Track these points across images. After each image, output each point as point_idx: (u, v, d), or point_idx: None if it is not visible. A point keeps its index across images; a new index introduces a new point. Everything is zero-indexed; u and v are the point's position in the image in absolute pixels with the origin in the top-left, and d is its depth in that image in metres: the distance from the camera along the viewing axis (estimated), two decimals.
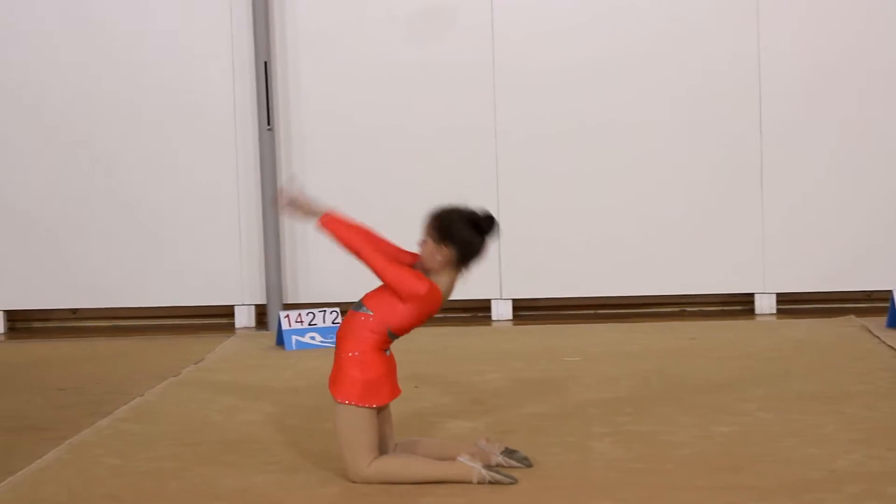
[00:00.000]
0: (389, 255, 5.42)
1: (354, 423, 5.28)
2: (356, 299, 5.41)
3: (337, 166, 9.73)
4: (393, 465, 5.28)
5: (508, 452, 5.52)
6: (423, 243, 5.38)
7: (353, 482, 5.24)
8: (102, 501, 5.23)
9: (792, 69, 9.92)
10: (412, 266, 5.39)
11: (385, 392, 5.40)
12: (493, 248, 9.76)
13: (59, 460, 5.95)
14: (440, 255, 5.32)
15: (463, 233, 5.35)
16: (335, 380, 5.40)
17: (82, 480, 5.58)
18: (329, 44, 10.02)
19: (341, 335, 5.44)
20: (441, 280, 5.37)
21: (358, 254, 5.25)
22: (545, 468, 5.55)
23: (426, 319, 5.45)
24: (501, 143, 10.07)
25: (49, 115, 10.17)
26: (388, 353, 5.48)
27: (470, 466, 5.17)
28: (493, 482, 5.11)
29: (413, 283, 5.27)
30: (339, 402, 5.31)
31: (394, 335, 5.40)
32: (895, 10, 9.88)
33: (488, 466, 5.17)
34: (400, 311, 5.34)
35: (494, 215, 5.46)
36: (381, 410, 5.39)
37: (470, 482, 5.14)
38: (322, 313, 9.09)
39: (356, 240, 5.29)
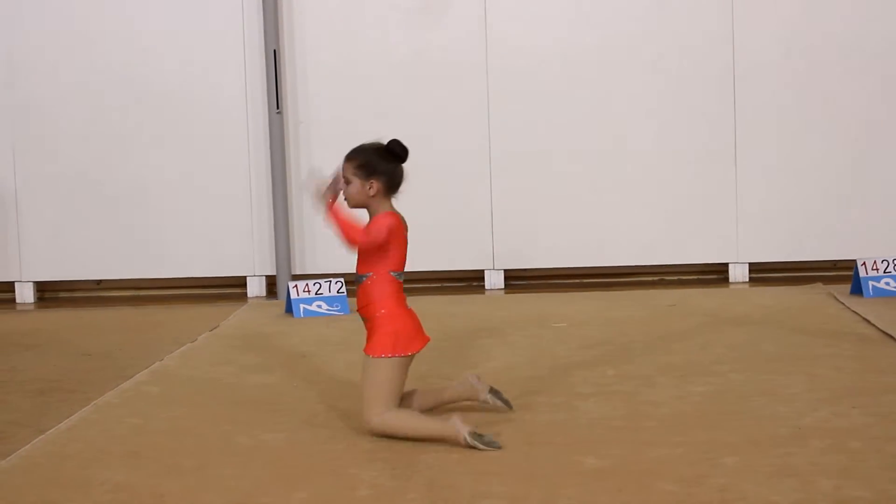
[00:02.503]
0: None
1: (384, 375, 5.32)
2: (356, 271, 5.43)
3: (340, 146, 9.68)
4: (394, 420, 5.28)
5: (494, 392, 5.72)
6: (347, 185, 5.40)
7: (369, 432, 5.31)
8: (125, 458, 5.24)
9: (764, 53, 9.91)
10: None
11: (418, 340, 5.50)
12: (487, 222, 9.93)
13: (84, 420, 5.97)
14: (372, 189, 5.36)
15: (384, 164, 5.39)
16: (369, 341, 5.41)
17: (106, 438, 5.59)
18: (334, 33, 10.02)
19: (363, 304, 5.44)
20: (382, 207, 5.41)
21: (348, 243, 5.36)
22: (535, 426, 5.57)
23: (406, 243, 5.51)
24: (494, 127, 10.06)
25: (78, 102, 10.16)
26: (408, 306, 5.56)
27: (458, 430, 5.17)
28: (475, 447, 5.12)
29: (381, 228, 5.31)
30: (374, 357, 5.33)
31: (399, 274, 5.46)
32: None
33: (474, 433, 5.15)
34: (389, 254, 5.40)
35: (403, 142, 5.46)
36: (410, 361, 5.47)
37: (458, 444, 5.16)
38: (328, 283, 9.10)
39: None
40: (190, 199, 10.18)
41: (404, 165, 5.46)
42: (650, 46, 9.99)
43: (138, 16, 10.11)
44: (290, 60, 10.03)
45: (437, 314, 8.83)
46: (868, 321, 7.89)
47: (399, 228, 5.42)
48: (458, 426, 5.19)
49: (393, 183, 5.43)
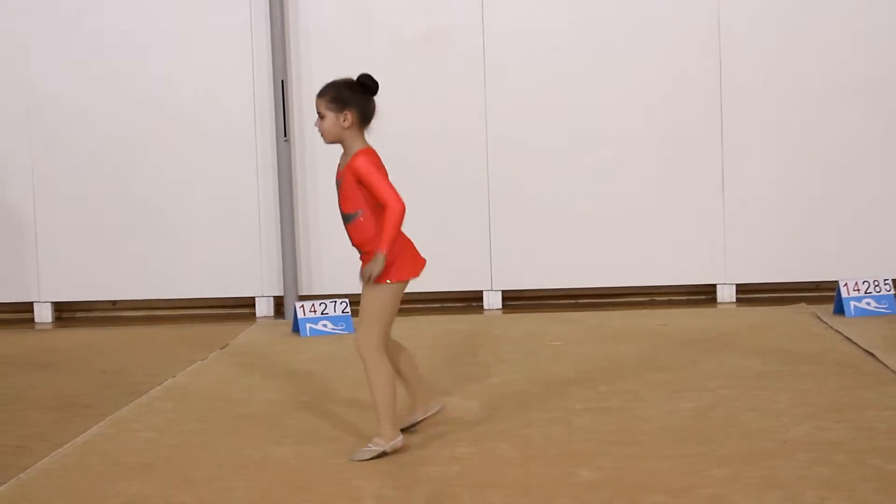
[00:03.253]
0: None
1: (384, 300, 5.31)
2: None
3: None
4: (378, 369, 5.28)
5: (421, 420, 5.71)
6: (322, 120, 5.33)
7: (358, 351, 5.31)
8: (139, 470, 5.25)
9: (749, 84, 9.92)
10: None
11: (416, 265, 5.47)
12: (485, 246, 9.94)
13: (101, 434, 5.98)
14: (346, 121, 5.30)
15: (356, 97, 5.35)
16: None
17: (122, 452, 5.61)
18: (339, 64, 9.97)
19: (360, 241, 5.36)
20: (358, 142, 5.37)
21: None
22: (532, 440, 5.57)
23: (386, 172, 5.39)
24: (492, 157, 10.08)
25: (95, 129, 10.18)
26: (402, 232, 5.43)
27: (395, 442, 5.24)
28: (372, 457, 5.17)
29: (372, 171, 5.27)
30: (378, 283, 5.27)
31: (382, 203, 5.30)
32: (859, 22, 9.92)
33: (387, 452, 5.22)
34: (374, 189, 5.26)
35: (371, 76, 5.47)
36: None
37: (384, 445, 5.22)
38: (333, 303, 9.11)
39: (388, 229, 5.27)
40: (202, 222, 10.18)
41: (376, 99, 5.46)
42: (640, 78, 9.99)
43: (154, 46, 10.12)
44: (298, 90, 10.04)
45: (438, 333, 8.87)
46: (850, 340, 7.89)
47: (378, 160, 5.38)
48: (398, 440, 5.27)
49: (365, 115, 5.39)
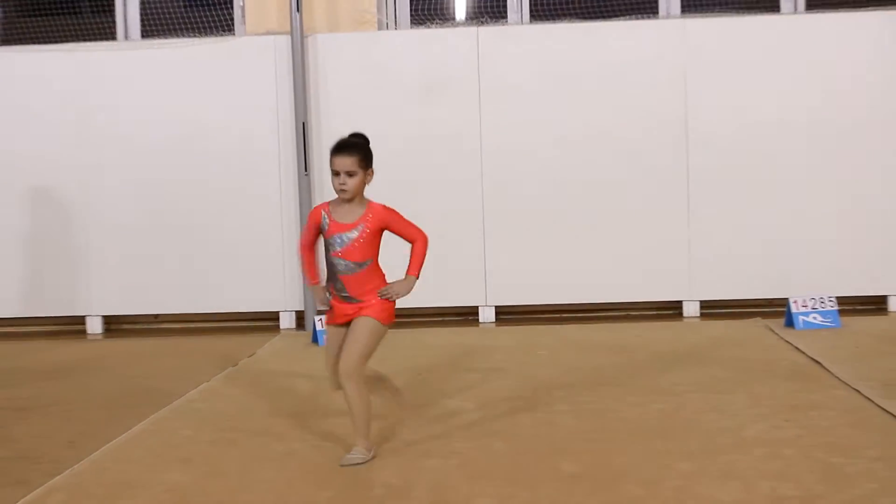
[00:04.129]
0: (313, 238, 5.32)
1: (377, 338, 5.13)
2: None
3: None
4: (362, 396, 5.11)
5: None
6: (351, 177, 5.04)
7: (345, 375, 5.07)
8: (178, 463, 5.27)
9: (712, 128, 9.96)
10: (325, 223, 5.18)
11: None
12: (480, 267, 9.96)
13: (144, 430, 6.00)
14: (370, 178, 5.14)
15: (372, 155, 5.17)
16: (369, 309, 5.11)
17: (163, 447, 5.62)
18: (352, 107, 10.04)
19: (361, 290, 5.12)
20: (365, 197, 5.18)
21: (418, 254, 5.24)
22: (521, 437, 5.58)
23: None
24: (486, 190, 10.11)
25: (139, 167, 10.23)
26: None
27: (371, 451, 5.16)
28: (357, 463, 5.07)
29: (396, 212, 5.19)
30: (378, 322, 5.09)
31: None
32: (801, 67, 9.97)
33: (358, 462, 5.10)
34: (408, 227, 5.19)
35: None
36: None
37: (366, 455, 5.12)
38: None
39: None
40: (234, 246, 10.19)
41: None
42: (619, 127, 9.99)
43: (191, 91, 10.16)
44: (317, 130, 10.06)
45: (438, 344, 8.87)
46: (799, 349, 7.91)
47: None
48: (372, 452, 5.16)
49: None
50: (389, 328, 5.25)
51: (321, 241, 5.29)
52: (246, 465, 5.19)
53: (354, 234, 5.10)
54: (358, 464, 5.06)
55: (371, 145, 5.19)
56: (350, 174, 5.05)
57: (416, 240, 5.19)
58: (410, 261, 5.20)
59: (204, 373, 7.76)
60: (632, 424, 5.80)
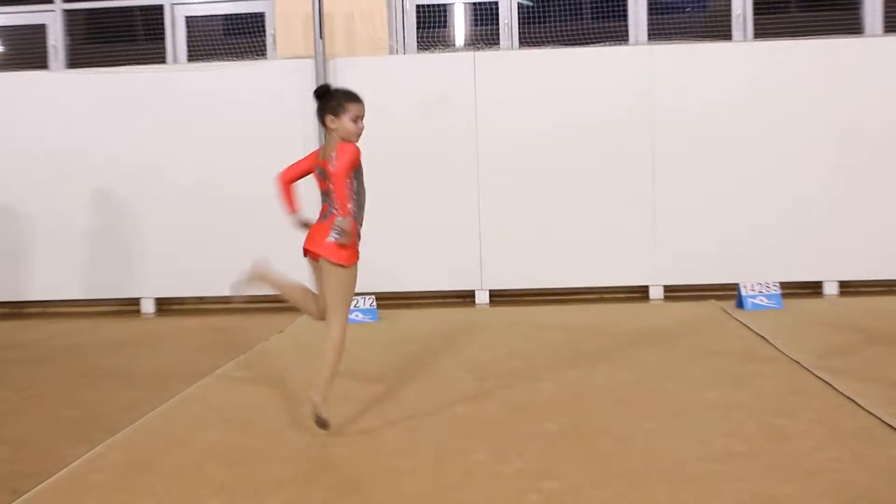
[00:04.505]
0: (302, 168, 5.17)
1: (352, 282, 4.87)
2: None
3: (373, 194, 9.83)
4: (341, 351, 4.86)
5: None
6: (332, 121, 4.95)
7: (333, 336, 4.85)
8: (219, 422, 5.29)
9: (676, 135, 9.97)
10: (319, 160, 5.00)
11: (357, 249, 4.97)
12: (476, 256, 9.95)
13: (189, 396, 6.02)
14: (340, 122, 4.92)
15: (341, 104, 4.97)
16: (338, 252, 4.87)
17: (205, 409, 5.65)
18: (367, 119, 10.02)
19: (326, 225, 4.89)
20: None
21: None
22: (511, 401, 5.60)
23: None
24: (482, 189, 10.11)
25: (189, 172, 10.24)
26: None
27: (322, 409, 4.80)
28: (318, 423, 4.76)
29: (349, 161, 4.83)
30: (347, 266, 4.85)
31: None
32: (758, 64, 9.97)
33: (316, 417, 4.80)
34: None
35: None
36: None
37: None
38: (363, 299, 9.14)
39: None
40: (265, 235, 10.21)
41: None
42: (596, 137, 10.01)
43: (230, 104, 10.17)
44: None
45: (439, 322, 8.87)
46: (748, 327, 7.92)
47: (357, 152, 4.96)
48: (325, 411, 4.83)
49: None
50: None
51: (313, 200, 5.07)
52: (277, 425, 5.20)
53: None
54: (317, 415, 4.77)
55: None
56: (332, 121, 4.96)
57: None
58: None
59: (241, 346, 7.78)
60: (605, 391, 5.81)
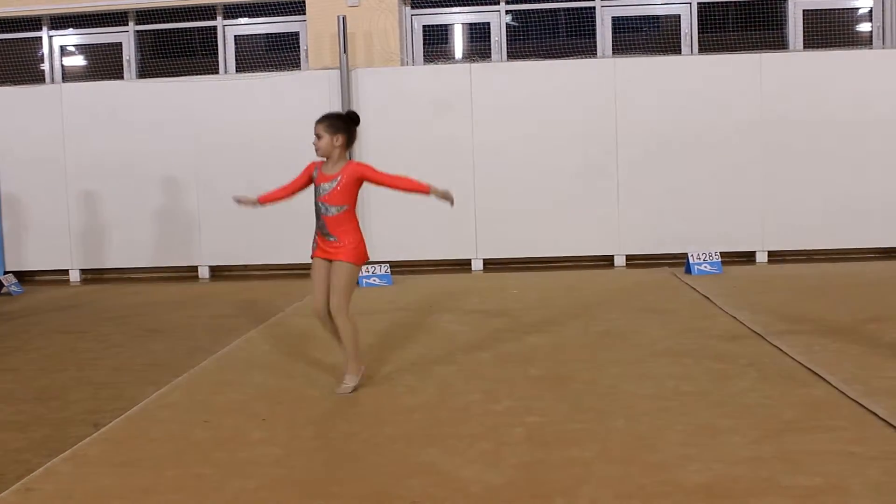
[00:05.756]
0: (300, 183, 4.78)
1: (354, 279, 4.60)
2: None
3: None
4: (351, 327, 4.59)
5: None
6: (319, 140, 4.58)
7: (335, 311, 4.56)
8: (261, 368, 5.27)
9: (637, 132, 9.89)
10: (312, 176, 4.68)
11: (366, 255, 4.70)
12: (472, 229, 9.92)
13: (237, 346, 6.00)
14: (337, 142, 4.56)
15: (345, 125, 4.62)
16: (349, 253, 4.55)
17: (250, 356, 5.64)
18: (383, 120, 10.01)
19: (338, 230, 4.60)
20: (344, 157, 4.64)
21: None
22: (500, 352, 5.56)
23: None
24: (478, 180, 10.06)
25: (239, 157, 10.18)
26: None
27: (361, 370, 4.67)
28: (352, 390, 4.56)
29: (370, 166, 4.59)
30: (355, 265, 4.56)
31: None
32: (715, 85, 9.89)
33: (345, 388, 4.57)
34: (382, 176, 4.60)
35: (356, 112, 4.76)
36: None
37: (356, 379, 4.62)
38: (380, 266, 9.11)
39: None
40: (292, 220, 10.16)
41: (357, 126, 4.70)
42: (567, 125, 9.95)
43: (270, 108, 10.10)
44: (357, 141, 9.97)
45: (440, 285, 8.86)
46: (694, 289, 7.89)
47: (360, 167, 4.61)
48: (362, 369, 4.68)
49: (351, 139, 4.64)
50: (364, 266, 4.82)
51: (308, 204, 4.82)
52: (310, 371, 5.18)
53: (334, 184, 4.60)
54: (350, 391, 4.56)
55: (341, 120, 4.65)
56: (318, 136, 4.60)
57: (397, 176, 4.60)
58: (413, 183, 4.61)
59: (278, 307, 7.74)
60: (577, 341, 5.79)
